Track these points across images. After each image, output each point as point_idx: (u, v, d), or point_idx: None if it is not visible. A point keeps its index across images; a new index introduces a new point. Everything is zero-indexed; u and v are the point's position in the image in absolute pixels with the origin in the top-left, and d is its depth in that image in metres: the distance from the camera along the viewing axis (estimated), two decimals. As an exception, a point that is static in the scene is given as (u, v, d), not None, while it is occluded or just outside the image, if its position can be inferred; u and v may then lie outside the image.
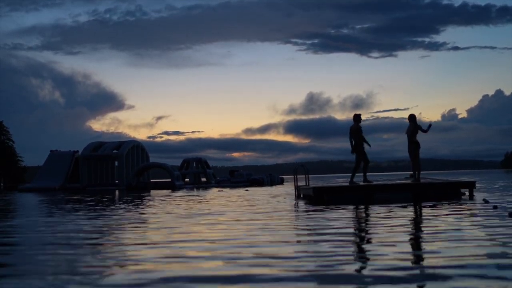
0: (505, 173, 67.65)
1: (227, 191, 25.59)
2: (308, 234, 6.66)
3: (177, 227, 7.93)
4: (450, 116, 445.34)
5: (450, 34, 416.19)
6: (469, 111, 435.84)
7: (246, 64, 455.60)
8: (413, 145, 14.54)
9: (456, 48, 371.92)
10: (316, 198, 13.50)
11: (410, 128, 14.51)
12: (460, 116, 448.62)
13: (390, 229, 6.79)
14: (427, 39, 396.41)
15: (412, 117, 14.63)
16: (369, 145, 14.87)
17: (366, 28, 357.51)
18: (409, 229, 6.79)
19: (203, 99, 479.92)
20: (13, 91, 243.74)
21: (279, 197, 16.87)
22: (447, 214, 8.64)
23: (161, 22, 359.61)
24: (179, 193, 25.42)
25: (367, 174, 15.14)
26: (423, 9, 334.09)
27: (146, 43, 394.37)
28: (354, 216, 9.05)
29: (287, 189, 25.37)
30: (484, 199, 12.03)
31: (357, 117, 14.81)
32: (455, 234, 6.10)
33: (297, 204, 12.94)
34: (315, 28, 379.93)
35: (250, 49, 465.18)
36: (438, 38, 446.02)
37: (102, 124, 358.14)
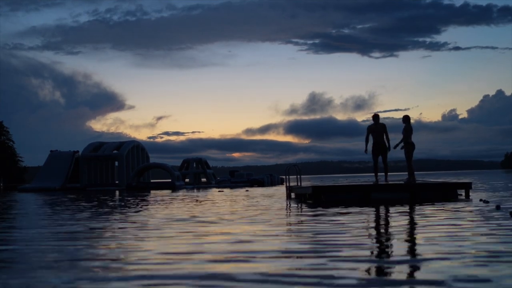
0: (505, 173, 67.64)
1: (227, 192, 25.64)
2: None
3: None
4: (451, 116, 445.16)
5: (451, 34, 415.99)
6: (470, 111, 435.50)
7: (246, 64, 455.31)
8: (408, 146, 14.61)
9: (457, 48, 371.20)
10: (314, 198, 13.53)
11: (405, 129, 14.60)
12: (460, 117, 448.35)
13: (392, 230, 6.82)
14: (428, 39, 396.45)
15: (406, 118, 14.73)
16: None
17: (367, 28, 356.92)
18: (406, 230, 6.83)
19: (203, 99, 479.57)
20: (13, 91, 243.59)
21: (272, 198, 16.89)
22: (447, 214, 8.69)
23: (161, 22, 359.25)
24: (179, 193, 25.44)
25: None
26: (424, 9, 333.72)
27: (147, 43, 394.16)
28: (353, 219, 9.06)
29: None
30: (481, 199, 12.07)
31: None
32: (456, 233, 6.15)
33: (289, 205, 12.93)
34: (316, 28, 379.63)
35: (251, 49, 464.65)
36: (439, 38, 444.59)
37: (103, 124, 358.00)
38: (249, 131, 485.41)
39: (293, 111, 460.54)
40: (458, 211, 9.41)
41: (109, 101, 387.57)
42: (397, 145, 14.60)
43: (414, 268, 4.22)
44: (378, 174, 15.19)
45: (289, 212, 10.56)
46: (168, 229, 7.67)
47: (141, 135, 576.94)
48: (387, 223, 7.69)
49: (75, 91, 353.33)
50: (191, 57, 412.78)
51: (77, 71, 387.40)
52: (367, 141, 15.04)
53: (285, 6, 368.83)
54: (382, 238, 6.08)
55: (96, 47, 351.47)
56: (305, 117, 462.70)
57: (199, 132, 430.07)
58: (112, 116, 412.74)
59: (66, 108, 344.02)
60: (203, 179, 49.09)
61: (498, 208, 9.63)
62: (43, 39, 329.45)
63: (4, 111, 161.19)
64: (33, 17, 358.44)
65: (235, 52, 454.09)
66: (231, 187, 35.75)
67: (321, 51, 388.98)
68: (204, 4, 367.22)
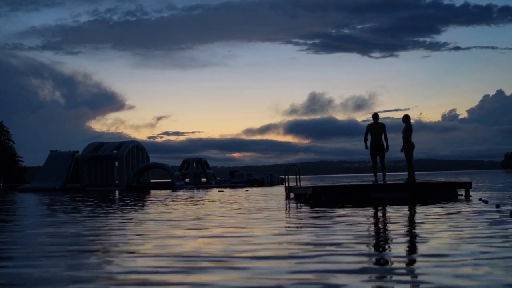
0: (505, 173, 67.61)
1: (227, 191, 25.64)
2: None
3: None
4: (451, 116, 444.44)
5: (452, 34, 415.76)
6: (470, 111, 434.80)
7: (246, 64, 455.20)
8: (408, 145, 14.70)
9: (457, 48, 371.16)
10: (315, 198, 13.52)
11: (405, 129, 14.73)
12: (460, 117, 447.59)
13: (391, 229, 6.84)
14: (428, 39, 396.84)
15: (406, 118, 14.86)
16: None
17: (367, 28, 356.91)
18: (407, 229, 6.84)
19: (203, 99, 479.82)
20: (13, 91, 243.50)
21: (271, 198, 16.88)
22: (446, 214, 8.70)
23: (161, 22, 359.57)
24: (179, 193, 25.43)
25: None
26: (424, 9, 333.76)
27: (147, 43, 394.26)
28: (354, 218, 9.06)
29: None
30: (481, 199, 12.09)
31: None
32: (454, 233, 6.16)
33: (288, 205, 12.93)
34: (316, 28, 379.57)
35: (251, 50, 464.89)
36: (440, 38, 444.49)
37: (103, 125, 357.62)
38: (249, 131, 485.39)
39: (293, 111, 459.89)
40: (457, 211, 9.40)
41: (109, 101, 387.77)
42: (402, 148, 14.76)
43: (411, 270, 4.22)
44: (378, 174, 15.24)
45: (288, 213, 10.55)
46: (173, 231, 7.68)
47: (141, 135, 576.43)
48: (385, 224, 7.69)
49: (75, 91, 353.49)
50: (191, 57, 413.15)
51: (77, 71, 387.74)
52: (365, 139, 15.09)
53: (285, 6, 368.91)
54: (380, 240, 6.09)
55: (96, 47, 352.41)
56: (305, 117, 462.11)
57: (199, 132, 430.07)
58: (112, 116, 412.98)
59: (66, 108, 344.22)
60: (203, 179, 49.10)
61: (498, 207, 9.64)
62: (43, 39, 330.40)
63: (4, 111, 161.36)
64: (33, 17, 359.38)
65: (235, 52, 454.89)
66: (231, 187, 35.74)
67: (321, 51, 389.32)
68: (204, 4, 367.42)
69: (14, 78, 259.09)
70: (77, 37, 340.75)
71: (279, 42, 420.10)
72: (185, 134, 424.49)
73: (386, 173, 15.47)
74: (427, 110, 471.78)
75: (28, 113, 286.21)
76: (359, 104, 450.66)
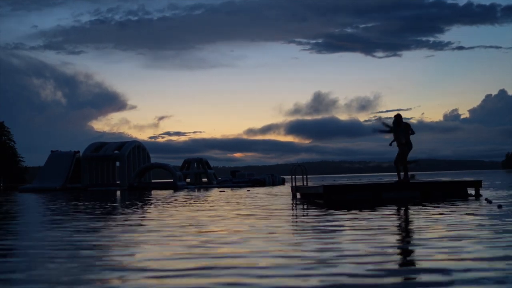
0: (506, 173, 67.54)
1: (228, 192, 25.60)
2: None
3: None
4: (452, 116, 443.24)
5: (455, 33, 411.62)
6: (472, 111, 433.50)
7: (248, 64, 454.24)
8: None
9: (460, 48, 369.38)
10: (325, 198, 13.43)
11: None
12: (462, 117, 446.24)
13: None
14: (431, 39, 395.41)
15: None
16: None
17: (370, 27, 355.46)
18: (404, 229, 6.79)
19: (205, 100, 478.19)
20: (14, 91, 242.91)
21: (278, 198, 16.82)
22: (449, 214, 8.65)
23: (164, 22, 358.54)
24: (181, 194, 25.40)
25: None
26: (427, 8, 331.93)
27: (148, 43, 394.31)
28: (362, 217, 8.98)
29: (289, 189, 25.31)
30: (486, 199, 12.11)
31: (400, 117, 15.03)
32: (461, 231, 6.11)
33: (296, 205, 12.84)
34: (319, 28, 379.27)
35: (253, 49, 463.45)
36: (443, 37, 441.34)
37: (104, 125, 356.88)
38: (250, 131, 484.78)
39: (296, 111, 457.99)
40: (460, 211, 9.35)
41: (111, 101, 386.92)
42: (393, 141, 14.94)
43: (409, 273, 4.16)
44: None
45: (306, 213, 10.47)
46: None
47: (143, 135, 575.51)
48: (397, 225, 7.64)
49: (77, 91, 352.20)
50: (193, 57, 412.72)
51: (78, 71, 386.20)
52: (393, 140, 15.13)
53: (287, 5, 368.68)
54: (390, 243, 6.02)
55: (98, 47, 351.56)
56: (307, 117, 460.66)
57: (200, 132, 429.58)
58: (113, 116, 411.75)
59: (67, 108, 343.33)
60: (204, 179, 49.10)
61: (500, 207, 9.79)
62: (45, 39, 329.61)
63: (5, 111, 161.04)
64: (35, 17, 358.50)
65: (237, 52, 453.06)
66: (233, 187, 35.71)
67: (324, 50, 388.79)
68: (206, 3, 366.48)
69: (16, 78, 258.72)
70: (79, 37, 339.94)
71: (282, 42, 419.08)
72: (187, 134, 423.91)
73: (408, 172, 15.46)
74: (429, 110, 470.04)
75: (30, 113, 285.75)
76: (363, 105, 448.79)
